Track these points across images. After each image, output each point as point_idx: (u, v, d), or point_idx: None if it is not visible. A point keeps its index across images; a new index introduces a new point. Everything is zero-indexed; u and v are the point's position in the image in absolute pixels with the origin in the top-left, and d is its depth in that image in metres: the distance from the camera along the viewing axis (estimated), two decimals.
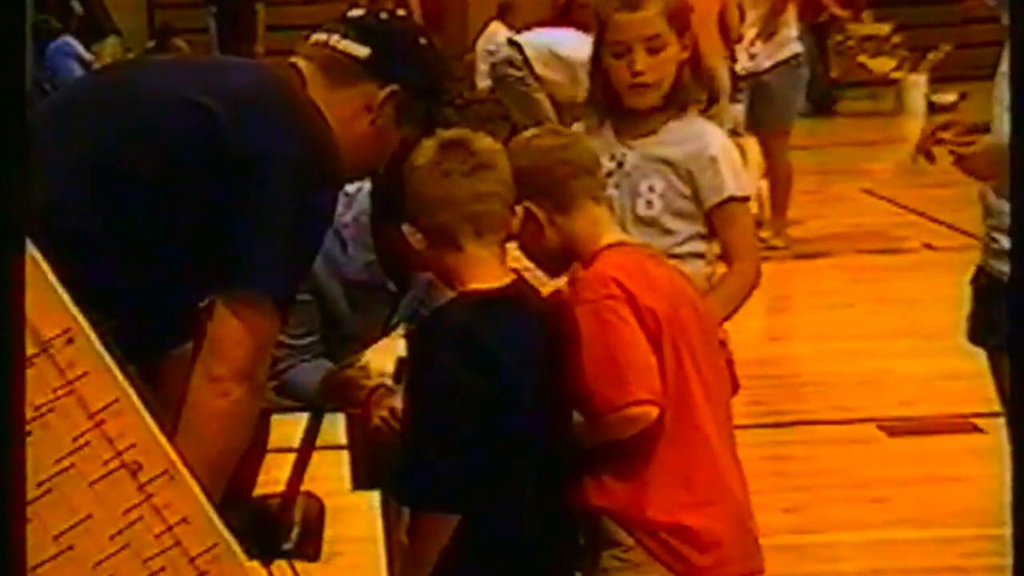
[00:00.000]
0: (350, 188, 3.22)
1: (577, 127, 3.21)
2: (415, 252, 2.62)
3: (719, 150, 3.08)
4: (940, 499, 4.35)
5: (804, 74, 8.48)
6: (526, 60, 9.18)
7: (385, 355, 3.56)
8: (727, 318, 3.00)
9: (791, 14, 8.28)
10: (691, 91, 3.10)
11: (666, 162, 3.09)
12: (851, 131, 12.80)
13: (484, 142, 2.58)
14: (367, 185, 3.19)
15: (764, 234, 8.08)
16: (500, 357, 2.49)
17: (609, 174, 3.03)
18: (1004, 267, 3.30)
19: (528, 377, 2.52)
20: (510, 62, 9.34)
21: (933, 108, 13.09)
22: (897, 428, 5.23)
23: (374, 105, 2.57)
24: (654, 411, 2.54)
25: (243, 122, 2.42)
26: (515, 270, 2.63)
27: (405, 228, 2.58)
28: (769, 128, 8.10)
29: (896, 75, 13.94)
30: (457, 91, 11.84)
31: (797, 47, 8.28)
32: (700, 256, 3.08)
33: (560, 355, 2.57)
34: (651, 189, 3.08)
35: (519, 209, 2.62)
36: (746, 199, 3.12)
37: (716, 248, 3.12)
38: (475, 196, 2.52)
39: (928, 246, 7.66)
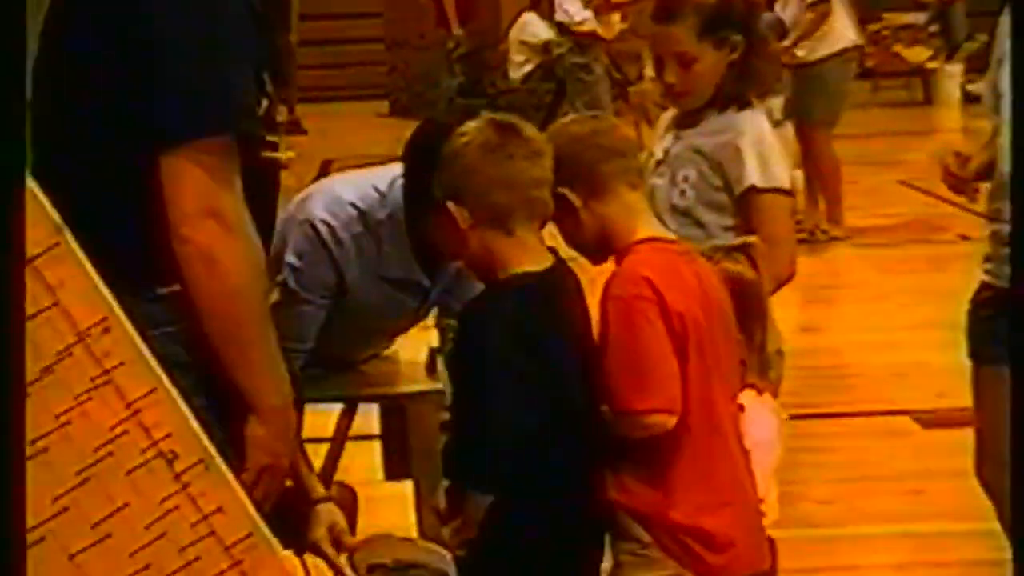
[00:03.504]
0: (382, 185, 3.20)
1: (662, 118, 3.25)
2: (452, 236, 2.60)
3: (748, 141, 3.08)
4: (976, 491, 4.32)
5: (854, 67, 8.40)
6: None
7: (416, 345, 3.57)
8: None
9: (841, 5, 8.16)
10: (736, 91, 3.10)
11: (699, 152, 3.10)
12: (886, 122, 12.73)
13: (533, 130, 2.61)
14: (399, 179, 3.19)
15: (824, 225, 8.06)
16: (547, 341, 2.52)
17: (658, 163, 3.04)
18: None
19: (571, 360, 2.55)
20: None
21: (968, 98, 13.01)
22: (932, 420, 5.20)
23: None
24: (671, 420, 2.54)
25: None
26: (552, 249, 2.64)
27: (450, 205, 2.55)
28: (817, 120, 8.04)
29: (931, 64, 13.86)
30: (489, 80, 11.85)
31: (848, 39, 8.18)
32: (735, 249, 3.07)
33: (594, 339, 2.59)
34: (685, 179, 3.10)
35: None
36: (775, 190, 3.10)
37: None
38: (534, 181, 2.55)
39: (964, 237, 7.61)
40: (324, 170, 10.82)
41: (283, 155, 2.54)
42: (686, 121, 3.16)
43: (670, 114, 3.24)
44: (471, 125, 2.58)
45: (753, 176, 3.06)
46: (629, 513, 2.58)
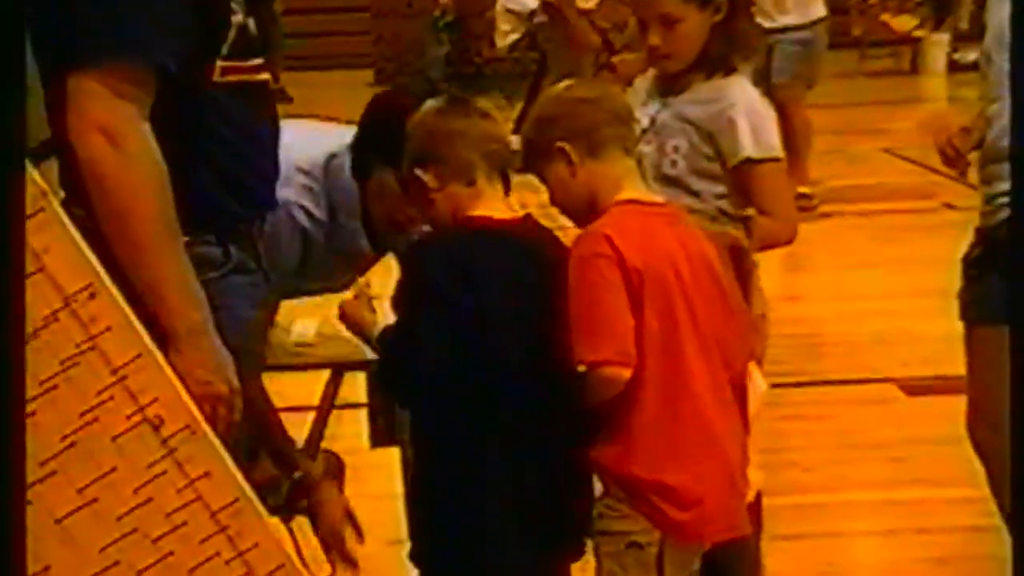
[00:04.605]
0: (325, 158, 3.15)
1: (639, 82, 3.24)
2: (421, 205, 2.65)
3: (740, 111, 3.07)
4: (959, 459, 4.34)
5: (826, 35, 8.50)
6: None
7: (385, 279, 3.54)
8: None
9: None
10: (722, 54, 3.10)
11: (690, 122, 3.10)
12: (872, 91, 12.73)
13: (483, 101, 2.73)
14: (346, 159, 3.15)
15: (802, 188, 8.09)
16: (488, 283, 2.56)
17: (643, 131, 3.04)
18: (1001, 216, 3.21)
19: (515, 310, 2.57)
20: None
21: (955, 67, 13.01)
22: (916, 388, 5.23)
23: None
24: (624, 372, 2.56)
25: None
26: (529, 215, 2.67)
27: (418, 171, 2.64)
28: (801, 80, 8.08)
29: (919, 33, 13.85)
30: (476, 49, 11.82)
31: (823, 9, 8.27)
32: (729, 215, 3.07)
33: (558, 298, 2.60)
34: (676, 149, 3.10)
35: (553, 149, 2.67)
36: (770, 160, 3.10)
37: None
38: (490, 136, 2.66)
39: (949, 206, 7.62)
40: None
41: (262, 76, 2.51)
42: (671, 87, 3.15)
43: (650, 76, 3.23)
44: (427, 102, 2.70)
45: (748, 148, 3.06)
46: (595, 468, 2.61)
